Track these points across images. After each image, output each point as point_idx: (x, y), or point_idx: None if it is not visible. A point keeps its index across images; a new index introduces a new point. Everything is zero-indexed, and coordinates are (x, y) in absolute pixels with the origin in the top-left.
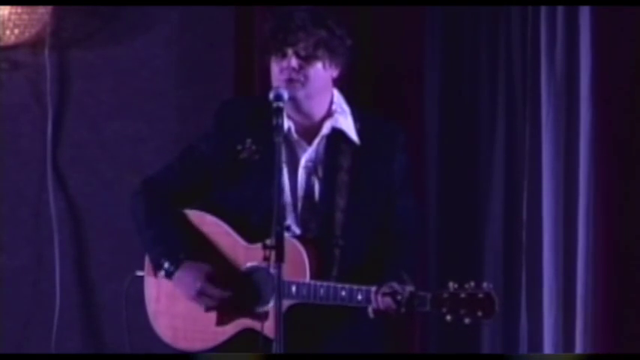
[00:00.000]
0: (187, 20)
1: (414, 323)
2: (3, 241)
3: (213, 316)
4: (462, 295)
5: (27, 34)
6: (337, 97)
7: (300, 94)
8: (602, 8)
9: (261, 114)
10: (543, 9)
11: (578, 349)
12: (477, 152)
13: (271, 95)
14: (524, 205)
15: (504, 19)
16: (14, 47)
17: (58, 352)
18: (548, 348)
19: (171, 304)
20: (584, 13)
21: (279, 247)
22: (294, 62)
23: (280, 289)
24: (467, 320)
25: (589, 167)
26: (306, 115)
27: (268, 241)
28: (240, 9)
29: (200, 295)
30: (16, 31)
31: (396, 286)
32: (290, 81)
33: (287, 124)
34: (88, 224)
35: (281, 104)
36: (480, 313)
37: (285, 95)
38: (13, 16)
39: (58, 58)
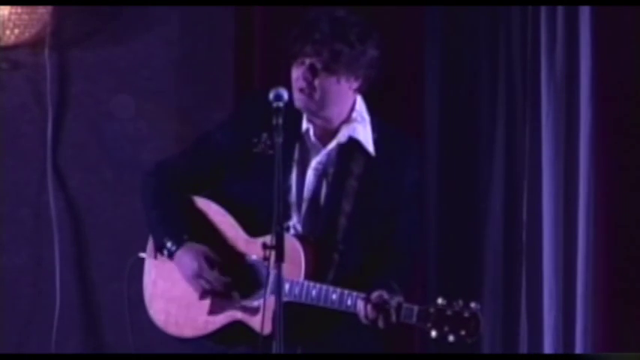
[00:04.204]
0: (187, 20)
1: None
2: (3, 241)
3: (206, 304)
4: (448, 312)
5: (27, 34)
6: (360, 104)
7: (311, 103)
8: (602, 8)
9: None
10: (543, 9)
11: (578, 349)
12: (477, 152)
13: (271, 95)
14: (524, 205)
15: (504, 19)
16: (14, 47)
17: (58, 352)
18: (548, 348)
19: (167, 288)
20: (584, 13)
21: (279, 247)
22: (307, 73)
23: (281, 289)
24: (451, 338)
25: (589, 167)
26: (325, 120)
27: (268, 241)
28: (240, 9)
29: (197, 277)
30: (16, 31)
31: (385, 295)
32: (301, 90)
33: (306, 125)
34: (88, 224)
35: (281, 104)
36: (463, 332)
37: (285, 96)
38: (13, 16)
39: (58, 58)
